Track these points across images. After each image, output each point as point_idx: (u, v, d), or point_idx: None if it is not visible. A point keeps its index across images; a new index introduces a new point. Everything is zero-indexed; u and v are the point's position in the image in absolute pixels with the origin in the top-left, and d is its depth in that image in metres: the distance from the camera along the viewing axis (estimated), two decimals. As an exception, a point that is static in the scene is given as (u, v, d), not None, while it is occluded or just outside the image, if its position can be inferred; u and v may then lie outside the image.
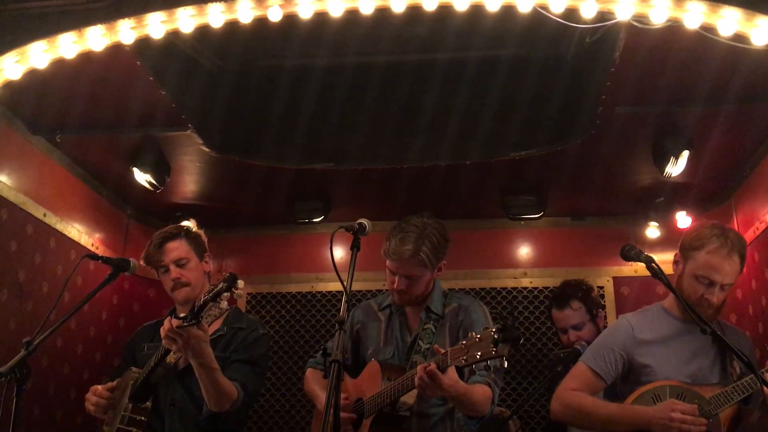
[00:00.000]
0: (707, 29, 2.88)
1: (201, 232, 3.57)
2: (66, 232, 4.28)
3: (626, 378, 3.08)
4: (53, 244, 4.16)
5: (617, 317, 4.94)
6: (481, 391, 2.98)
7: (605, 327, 4.68)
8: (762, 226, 4.15)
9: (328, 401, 2.30)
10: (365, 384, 3.20)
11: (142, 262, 3.37)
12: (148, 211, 5.17)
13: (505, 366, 2.51)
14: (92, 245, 4.56)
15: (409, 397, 3.03)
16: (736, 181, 4.52)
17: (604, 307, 4.86)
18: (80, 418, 4.34)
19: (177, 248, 3.34)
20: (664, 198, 4.78)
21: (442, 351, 2.74)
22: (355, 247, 2.82)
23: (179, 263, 3.32)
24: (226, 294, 2.63)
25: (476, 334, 2.57)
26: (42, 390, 4.05)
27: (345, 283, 2.67)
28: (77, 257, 4.31)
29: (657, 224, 4.94)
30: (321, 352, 3.59)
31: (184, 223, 4.93)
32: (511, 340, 2.44)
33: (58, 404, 4.22)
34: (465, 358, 2.57)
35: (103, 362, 4.70)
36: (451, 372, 2.74)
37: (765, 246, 4.11)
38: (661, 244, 4.87)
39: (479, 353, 2.50)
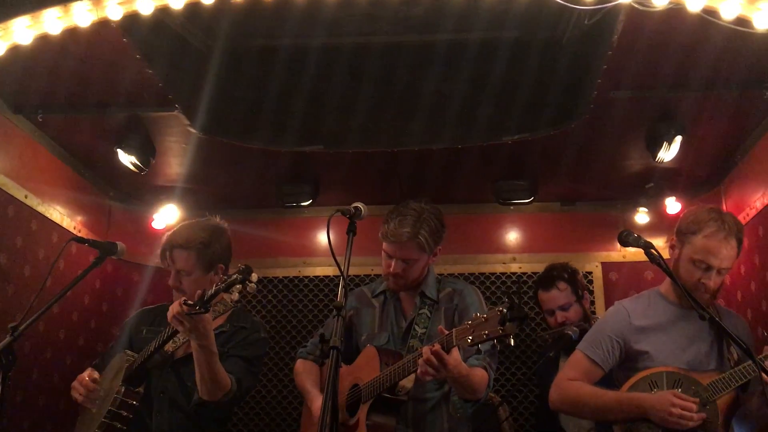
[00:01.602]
0: (709, 12, 2.85)
1: (225, 238, 3.43)
2: (48, 215, 4.18)
3: (623, 364, 3.07)
4: (35, 227, 4.05)
5: (605, 302, 5.00)
6: (479, 374, 3.00)
7: (594, 309, 4.71)
8: (752, 212, 4.16)
9: (327, 388, 2.26)
10: (362, 369, 3.17)
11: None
12: (131, 193, 5.07)
13: (512, 344, 2.48)
14: (74, 228, 4.47)
15: (408, 381, 3.02)
16: (726, 168, 4.52)
17: (589, 290, 4.88)
18: (63, 404, 4.27)
19: (182, 259, 3.26)
20: (653, 183, 4.77)
21: (446, 332, 2.73)
22: (351, 232, 2.76)
23: (179, 273, 3.28)
24: (238, 286, 2.57)
25: (482, 314, 2.58)
26: (24, 375, 3.97)
27: (342, 268, 2.60)
28: (59, 240, 4.23)
29: (646, 210, 4.94)
30: (312, 340, 3.59)
31: (167, 207, 4.89)
32: (519, 318, 2.44)
33: (41, 390, 4.14)
34: (471, 337, 2.56)
35: (86, 347, 4.62)
36: (455, 352, 2.74)
37: (755, 232, 4.11)
38: (651, 229, 4.86)
39: (486, 332, 2.51)
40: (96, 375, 3.23)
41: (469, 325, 2.60)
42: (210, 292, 2.68)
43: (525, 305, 4.93)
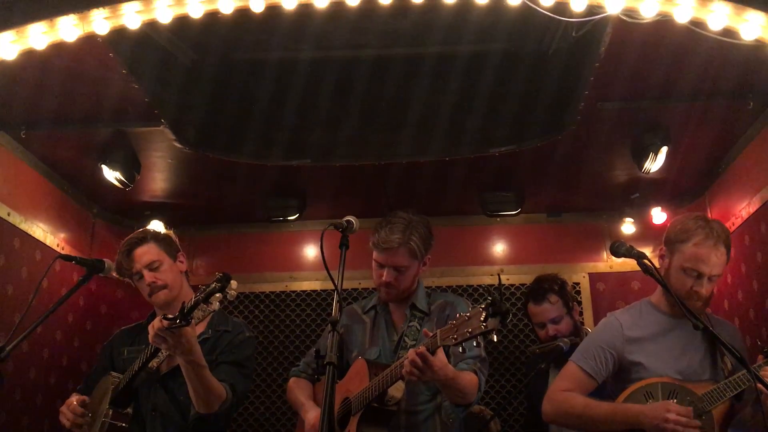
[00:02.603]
0: (696, 24, 2.88)
1: (170, 232, 3.49)
2: (31, 232, 4.11)
3: (617, 376, 3.06)
4: (17, 245, 3.98)
5: (593, 313, 5.00)
6: (468, 378, 2.99)
7: (582, 321, 4.71)
8: (738, 222, 4.20)
9: (325, 404, 2.24)
10: (352, 382, 3.15)
11: (114, 274, 3.28)
12: (115, 209, 5.02)
13: (495, 339, 2.47)
14: (57, 245, 4.40)
15: (397, 391, 3.01)
16: (710, 177, 4.57)
17: (579, 301, 4.89)
18: (47, 425, 4.19)
19: (146, 252, 3.25)
20: (639, 194, 4.80)
21: (431, 334, 2.73)
22: (343, 245, 2.76)
23: (152, 267, 3.23)
24: (218, 295, 2.53)
25: (464, 313, 2.56)
26: (8, 396, 3.87)
27: (336, 282, 2.58)
28: (42, 258, 4.17)
29: (632, 220, 4.97)
30: (304, 359, 3.56)
31: (152, 223, 4.83)
32: (501, 313, 2.42)
33: (24, 410, 4.05)
34: (455, 336, 2.56)
35: (70, 366, 4.54)
36: (441, 354, 2.74)
37: (741, 241, 4.15)
38: (637, 239, 4.87)
39: (469, 330, 2.49)
40: (84, 399, 3.16)
41: (453, 324, 2.59)
42: (189, 304, 2.63)
43: (507, 301, 4.94)
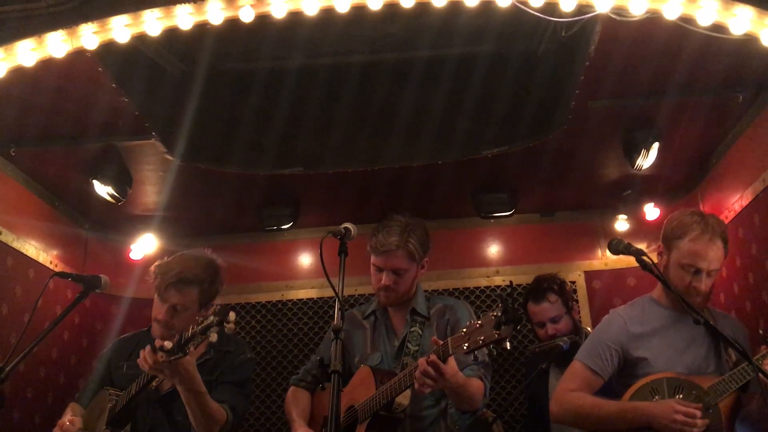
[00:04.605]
0: (685, 20, 2.89)
1: (223, 277, 3.29)
2: (23, 250, 4.08)
3: (622, 372, 3.06)
4: (11, 263, 3.96)
5: (590, 311, 5.01)
6: (475, 384, 2.99)
7: (580, 319, 4.72)
8: (731, 215, 4.21)
9: (331, 412, 2.23)
10: (356, 390, 3.13)
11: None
12: (107, 224, 4.98)
13: (508, 347, 2.47)
14: (50, 262, 4.37)
15: (404, 398, 2.99)
16: (702, 171, 4.58)
17: (577, 300, 4.89)
18: (46, 444, 4.15)
19: (183, 296, 3.07)
20: (631, 190, 4.80)
21: (441, 342, 2.71)
22: (342, 253, 2.74)
23: (175, 308, 3.07)
24: (215, 328, 2.50)
25: (476, 321, 2.55)
26: (6, 416, 3.84)
27: (336, 289, 2.57)
28: (36, 276, 4.14)
29: (626, 217, 4.97)
30: (304, 367, 3.53)
31: (145, 237, 4.80)
32: (514, 320, 2.42)
33: (23, 430, 4.01)
34: (467, 344, 2.54)
35: (67, 384, 4.51)
36: (451, 362, 2.73)
37: (735, 234, 4.15)
38: (631, 236, 4.87)
39: (482, 338, 2.48)
40: (77, 419, 3.09)
41: (464, 332, 2.58)
42: (186, 335, 2.59)
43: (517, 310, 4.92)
